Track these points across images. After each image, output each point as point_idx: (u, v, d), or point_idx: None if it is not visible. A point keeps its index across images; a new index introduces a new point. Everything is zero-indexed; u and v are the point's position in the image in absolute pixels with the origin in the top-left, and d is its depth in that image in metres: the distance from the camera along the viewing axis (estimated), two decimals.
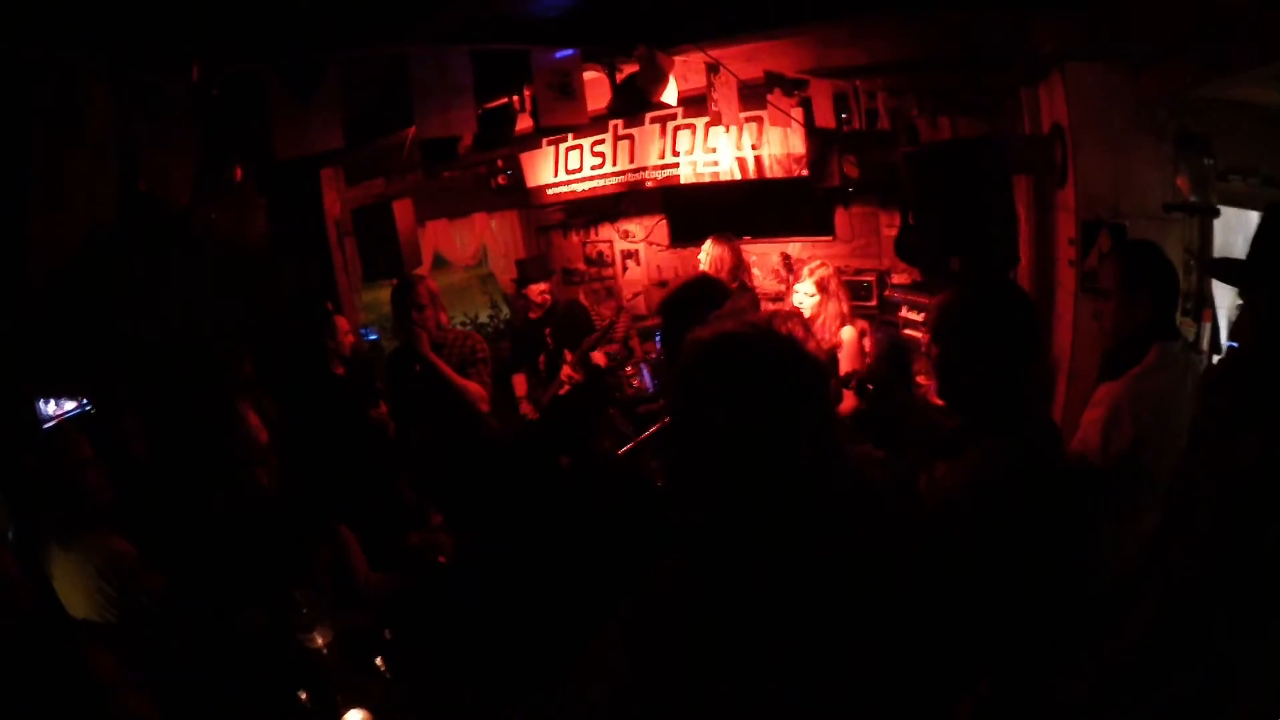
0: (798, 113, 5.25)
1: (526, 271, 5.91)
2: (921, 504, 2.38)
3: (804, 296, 4.91)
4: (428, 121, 3.76)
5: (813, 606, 1.31)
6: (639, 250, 7.42)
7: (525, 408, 5.81)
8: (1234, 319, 2.91)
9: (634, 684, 1.36)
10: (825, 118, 5.00)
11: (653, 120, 6.39)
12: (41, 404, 3.25)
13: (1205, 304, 3.88)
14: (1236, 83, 3.35)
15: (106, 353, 3.51)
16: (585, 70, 4.29)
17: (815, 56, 4.99)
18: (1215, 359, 3.83)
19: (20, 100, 2.38)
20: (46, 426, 2.88)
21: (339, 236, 5.67)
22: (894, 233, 5.39)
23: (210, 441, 3.02)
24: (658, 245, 7.29)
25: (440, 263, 7.44)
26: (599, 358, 5.71)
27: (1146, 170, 4.01)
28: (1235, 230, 3.85)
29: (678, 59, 4.61)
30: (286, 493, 3.15)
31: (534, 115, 4.36)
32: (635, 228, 7.38)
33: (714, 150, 6.25)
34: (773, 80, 4.84)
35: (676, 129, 6.37)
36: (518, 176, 7.10)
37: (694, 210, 6.74)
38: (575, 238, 7.71)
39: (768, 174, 6.09)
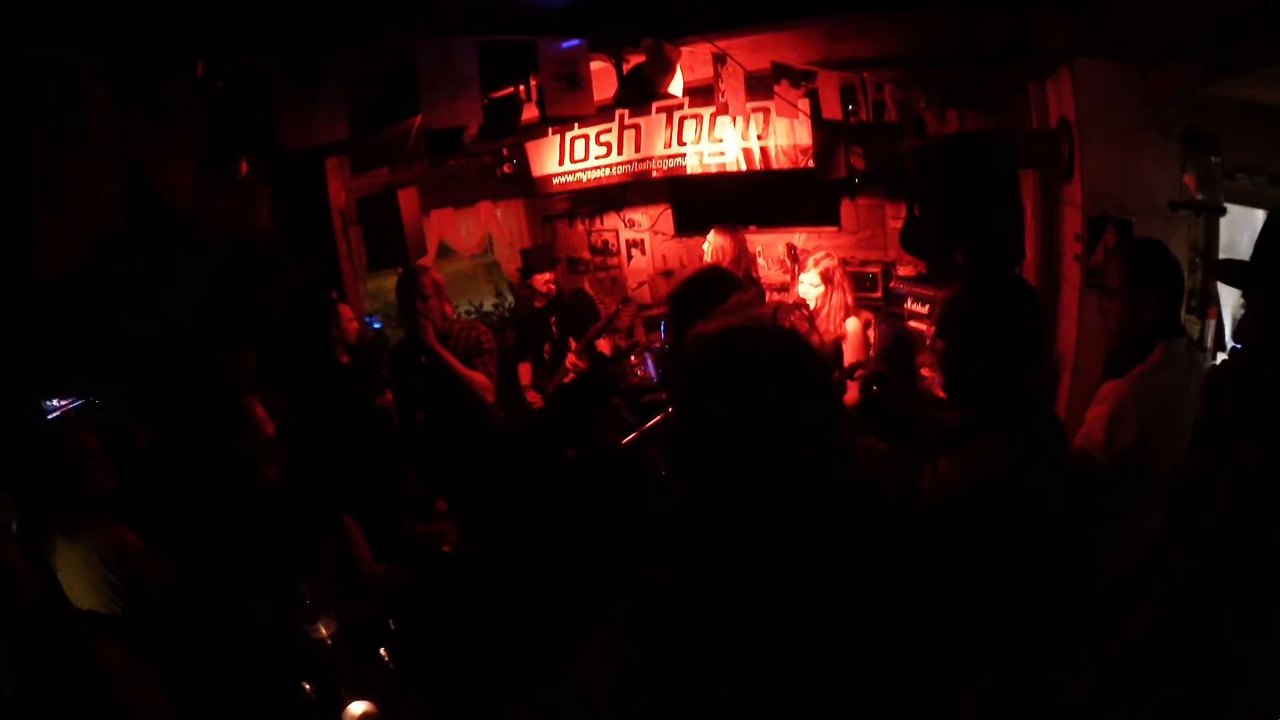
0: (804, 104, 5.23)
1: (531, 261, 5.90)
2: (925, 499, 2.39)
3: (809, 287, 4.91)
4: (434, 112, 3.76)
5: (815, 603, 1.31)
6: (644, 239, 7.40)
7: (530, 396, 5.82)
8: (1238, 317, 2.91)
9: (637, 683, 1.37)
10: (832, 109, 4.98)
11: (659, 110, 6.36)
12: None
13: (1210, 302, 3.87)
14: (1244, 82, 3.33)
15: (111, 351, 3.52)
16: (592, 60, 4.28)
17: (822, 48, 4.97)
18: (1220, 357, 3.82)
19: (20, 100, 2.37)
20: (50, 418, 2.88)
21: (344, 226, 5.66)
22: (900, 224, 5.38)
23: (217, 439, 3.02)
24: (663, 234, 7.27)
25: (445, 251, 7.43)
26: (604, 346, 5.72)
27: (1153, 167, 3.99)
28: (1241, 228, 3.83)
29: (685, 50, 4.59)
30: (292, 484, 3.16)
31: (540, 105, 4.36)
32: (641, 217, 7.35)
33: (720, 140, 6.24)
34: (780, 71, 4.82)
35: (683, 119, 6.34)
36: (523, 165, 7.08)
37: (700, 200, 6.72)
38: (580, 227, 7.68)
39: (774, 165, 6.07)
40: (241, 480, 2.98)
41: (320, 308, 4.64)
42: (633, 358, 5.93)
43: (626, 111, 6.41)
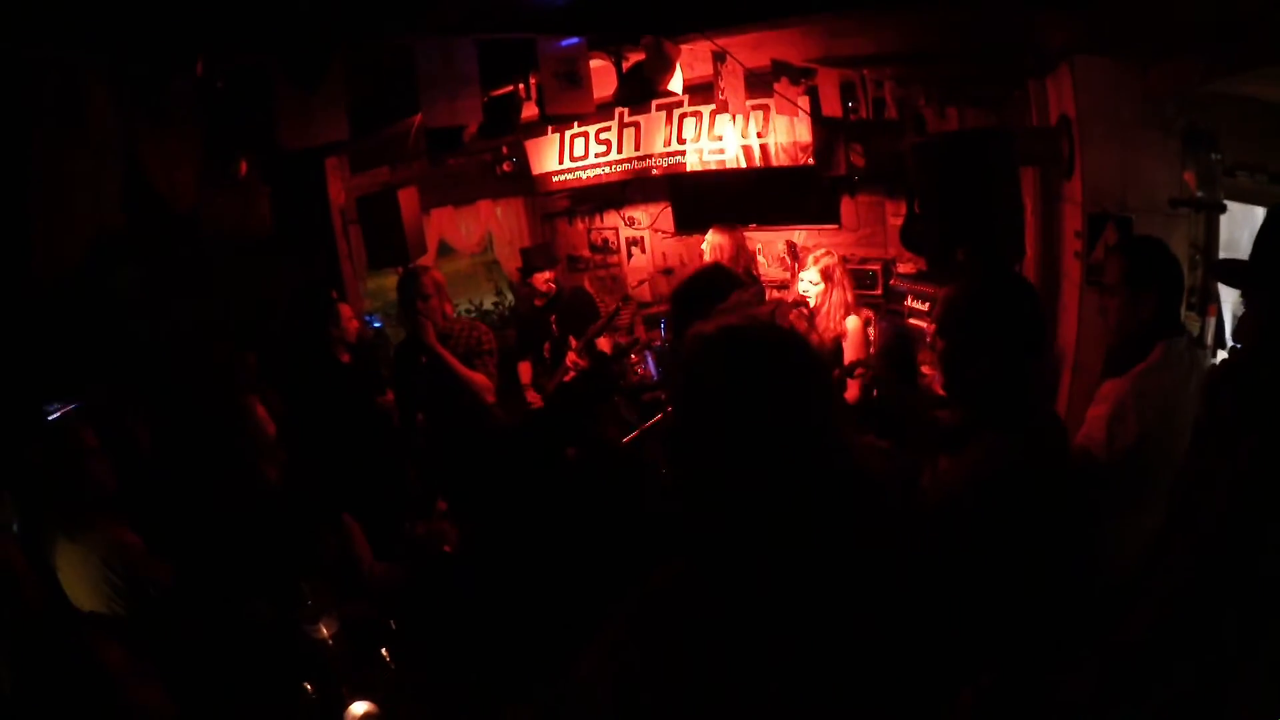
0: (804, 101, 5.22)
1: (531, 260, 5.90)
2: (925, 498, 2.39)
3: (809, 285, 4.91)
4: (434, 111, 3.75)
5: (814, 602, 1.31)
6: (644, 237, 7.40)
7: (530, 395, 5.82)
8: (1238, 315, 2.91)
9: (637, 683, 1.37)
10: (832, 107, 4.97)
11: (658, 108, 6.37)
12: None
13: (1210, 299, 3.86)
14: (1245, 79, 3.33)
15: (113, 353, 3.52)
16: (591, 58, 4.28)
17: (822, 46, 4.96)
18: (1220, 355, 3.82)
19: (20, 100, 2.37)
20: (50, 418, 2.88)
21: (344, 225, 5.67)
22: (900, 222, 5.38)
23: (219, 440, 3.02)
24: (663, 232, 7.27)
25: (445, 250, 7.43)
26: (604, 345, 5.72)
27: (1153, 165, 3.99)
28: (1242, 226, 3.83)
29: (684, 47, 4.59)
30: (293, 484, 3.16)
31: (540, 104, 4.35)
32: (640, 215, 7.35)
33: (720, 138, 6.24)
34: (779, 69, 4.82)
35: (682, 116, 6.35)
36: (523, 164, 7.08)
37: (700, 197, 6.71)
38: (580, 225, 7.68)
39: (774, 162, 6.08)
40: (243, 480, 2.98)
41: (320, 307, 4.64)
42: (633, 355, 5.94)
43: (626, 109, 6.41)
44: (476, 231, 7.48)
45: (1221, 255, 3.90)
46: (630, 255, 7.51)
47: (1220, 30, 3.08)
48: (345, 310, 4.79)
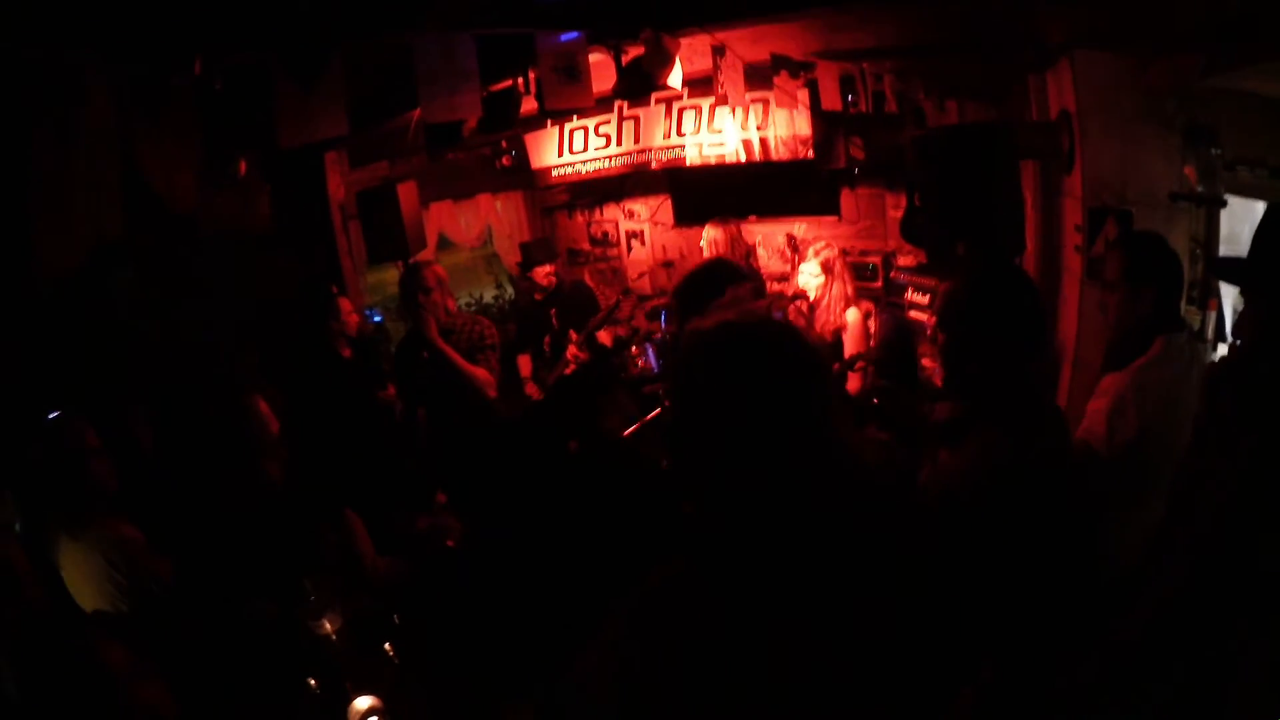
0: (803, 95, 5.23)
1: (531, 254, 5.90)
2: (925, 492, 2.40)
3: (809, 278, 4.91)
4: (433, 106, 3.76)
5: (813, 598, 1.32)
6: (644, 230, 7.40)
7: (530, 388, 5.83)
8: (1238, 310, 2.91)
9: (638, 681, 1.38)
10: (831, 100, 4.98)
11: (658, 101, 6.35)
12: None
13: (1211, 293, 3.86)
14: (1245, 75, 3.32)
15: (115, 353, 3.51)
16: (590, 52, 4.27)
17: (822, 39, 4.95)
18: (1220, 349, 3.83)
19: (19, 101, 2.36)
20: (50, 416, 2.87)
21: (343, 220, 5.67)
22: (900, 214, 5.37)
23: (222, 439, 3.02)
24: (663, 225, 7.26)
25: (445, 244, 7.44)
26: (604, 338, 5.72)
27: (1154, 159, 3.99)
28: (1242, 220, 3.82)
29: (684, 41, 4.58)
30: (295, 480, 3.16)
31: (539, 98, 4.35)
32: (640, 208, 7.35)
33: (719, 131, 6.23)
34: (779, 63, 4.82)
35: (682, 110, 6.33)
36: (522, 157, 7.07)
37: (699, 191, 6.71)
38: (580, 218, 7.68)
39: (773, 156, 6.07)
40: (246, 478, 2.98)
41: (321, 302, 4.64)
42: (633, 348, 5.94)
43: (625, 103, 6.40)
44: (476, 225, 7.48)
45: (1222, 250, 3.89)
46: (630, 248, 7.51)
47: (1221, 26, 3.08)
48: (345, 305, 4.79)
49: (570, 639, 1.58)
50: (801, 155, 5.93)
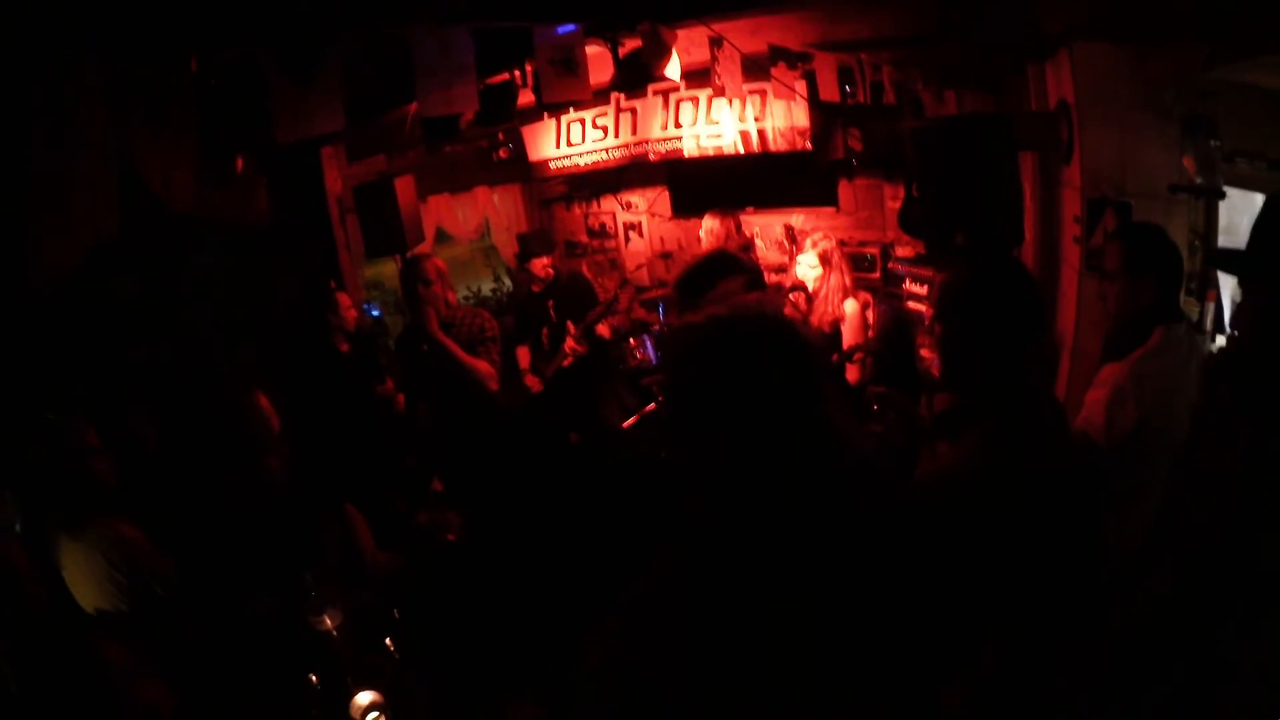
0: (801, 86, 5.21)
1: (528, 246, 5.88)
2: (923, 484, 2.40)
3: (807, 269, 4.91)
4: (430, 100, 3.75)
5: (811, 587, 1.32)
6: (642, 222, 7.39)
7: (528, 380, 5.82)
8: (1237, 301, 2.92)
9: (639, 672, 1.38)
10: (829, 91, 4.97)
11: (655, 93, 6.35)
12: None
13: (1209, 284, 3.86)
14: (1245, 67, 3.32)
15: (115, 352, 3.50)
16: (587, 45, 4.26)
17: (820, 30, 4.94)
18: (1219, 340, 3.83)
19: (17, 100, 2.35)
20: (50, 416, 2.86)
21: (341, 214, 5.65)
22: (898, 205, 5.36)
23: (224, 436, 3.02)
24: (661, 217, 7.25)
25: (443, 237, 7.41)
26: (603, 330, 5.72)
27: (1152, 150, 3.98)
28: (1241, 212, 3.82)
29: (681, 33, 4.57)
30: (295, 475, 3.16)
31: (536, 91, 4.34)
32: (638, 199, 7.34)
33: (717, 123, 6.22)
34: (777, 54, 4.81)
35: (679, 101, 6.33)
36: (519, 150, 7.06)
37: (697, 182, 6.69)
38: (578, 210, 7.67)
39: (771, 147, 6.07)
40: (248, 475, 2.97)
41: (319, 296, 4.64)
42: (632, 340, 5.94)
43: (623, 94, 6.39)
44: (474, 218, 7.46)
45: (1220, 241, 3.89)
46: (628, 240, 7.50)
47: (1220, 18, 3.07)
48: (344, 299, 4.78)
49: (571, 630, 1.58)
50: (799, 146, 5.92)
